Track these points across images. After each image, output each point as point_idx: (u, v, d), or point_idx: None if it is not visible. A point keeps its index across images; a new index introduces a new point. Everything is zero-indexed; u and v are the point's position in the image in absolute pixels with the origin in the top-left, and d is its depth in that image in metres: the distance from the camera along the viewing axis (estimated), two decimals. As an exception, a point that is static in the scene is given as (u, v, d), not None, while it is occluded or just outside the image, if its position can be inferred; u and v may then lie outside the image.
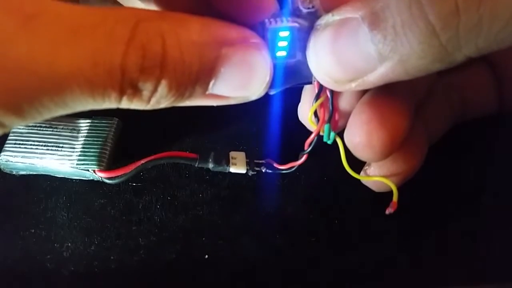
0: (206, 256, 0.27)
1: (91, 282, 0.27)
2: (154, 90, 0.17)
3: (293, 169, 0.28)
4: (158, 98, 0.17)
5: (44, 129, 0.29)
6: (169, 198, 0.29)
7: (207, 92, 0.18)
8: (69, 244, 0.28)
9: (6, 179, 0.30)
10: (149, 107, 0.18)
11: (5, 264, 0.27)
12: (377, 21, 0.17)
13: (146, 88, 0.17)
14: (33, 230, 0.28)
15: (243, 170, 0.28)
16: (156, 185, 0.30)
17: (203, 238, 0.28)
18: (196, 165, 0.28)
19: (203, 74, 0.18)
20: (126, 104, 0.17)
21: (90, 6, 0.16)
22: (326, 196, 0.29)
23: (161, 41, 0.16)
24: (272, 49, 0.20)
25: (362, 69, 0.18)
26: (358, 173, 0.26)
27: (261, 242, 0.28)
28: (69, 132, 0.29)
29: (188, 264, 0.27)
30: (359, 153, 0.24)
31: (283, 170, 0.28)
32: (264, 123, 0.32)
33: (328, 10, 0.20)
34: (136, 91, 0.17)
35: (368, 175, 0.26)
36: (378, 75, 0.18)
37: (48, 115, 0.16)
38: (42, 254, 0.27)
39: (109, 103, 0.17)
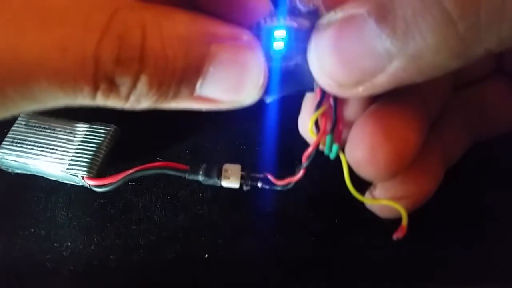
0: (206, 256, 0.27)
1: (90, 281, 0.27)
2: (133, 86, 0.15)
3: (290, 185, 0.25)
4: (138, 96, 0.16)
5: (42, 130, 0.29)
6: (169, 197, 0.29)
7: (194, 94, 0.17)
8: (69, 244, 0.28)
9: (6, 178, 0.30)
10: (128, 105, 0.16)
11: (5, 263, 0.27)
12: (385, 14, 0.15)
13: (124, 83, 0.15)
14: (32, 230, 0.28)
15: (236, 185, 0.26)
16: (156, 184, 0.30)
17: (203, 238, 0.28)
18: (186, 177, 0.27)
19: (189, 73, 0.16)
20: (101, 100, 0.16)
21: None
22: (326, 196, 0.29)
23: (141, 32, 0.15)
24: (267, 50, 0.18)
25: (369, 69, 0.17)
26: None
27: (261, 242, 0.28)
28: (66, 136, 0.29)
29: (188, 263, 0.27)
30: (362, 170, 0.21)
31: (279, 186, 0.26)
32: (266, 133, 0.31)
33: (331, 8, 0.18)
34: (112, 86, 0.15)
35: (373, 197, 0.23)
36: (388, 75, 0.16)
37: (16, 109, 0.15)
38: (42, 253, 0.27)
39: (82, 98, 0.15)
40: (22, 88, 0.14)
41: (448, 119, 0.24)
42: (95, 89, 0.15)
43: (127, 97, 0.16)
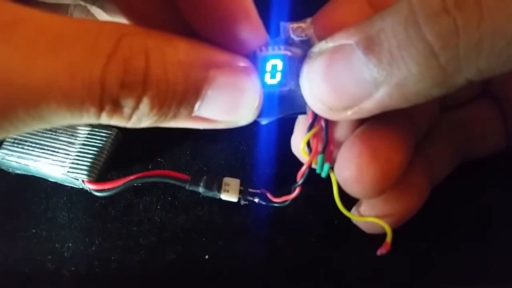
0: (206, 256, 0.27)
1: (91, 282, 0.27)
2: (136, 107, 0.16)
3: (287, 203, 0.27)
4: (140, 116, 0.17)
5: (44, 131, 0.29)
6: (169, 198, 0.29)
7: (193, 114, 0.18)
8: (70, 245, 0.28)
9: (7, 179, 0.30)
10: (129, 124, 0.17)
11: (6, 264, 0.27)
12: (372, 45, 0.16)
13: (127, 104, 0.16)
14: (34, 230, 0.28)
15: (234, 199, 0.28)
16: (156, 185, 0.30)
17: (203, 238, 0.28)
18: (187, 188, 0.28)
19: (189, 95, 0.17)
20: (105, 120, 0.16)
21: (73, 17, 0.16)
22: (326, 196, 0.29)
23: (145, 58, 0.16)
24: (263, 76, 0.19)
25: (357, 95, 0.18)
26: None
27: (261, 242, 0.28)
28: (67, 138, 0.29)
29: (188, 264, 0.27)
30: (349, 189, 0.22)
31: (276, 203, 0.27)
32: (265, 151, 0.31)
33: (322, 38, 0.19)
34: (116, 107, 0.16)
35: (360, 214, 0.24)
36: (374, 101, 0.17)
37: (24, 129, 0.15)
38: (43, 254, 0.27)
39: (88, 118, 0.16)
40: (33, 109, 0.15)
41: (434, 139, 0.26)
42: (100, 110, 0.16)
43: (129, 117, 0.17)
